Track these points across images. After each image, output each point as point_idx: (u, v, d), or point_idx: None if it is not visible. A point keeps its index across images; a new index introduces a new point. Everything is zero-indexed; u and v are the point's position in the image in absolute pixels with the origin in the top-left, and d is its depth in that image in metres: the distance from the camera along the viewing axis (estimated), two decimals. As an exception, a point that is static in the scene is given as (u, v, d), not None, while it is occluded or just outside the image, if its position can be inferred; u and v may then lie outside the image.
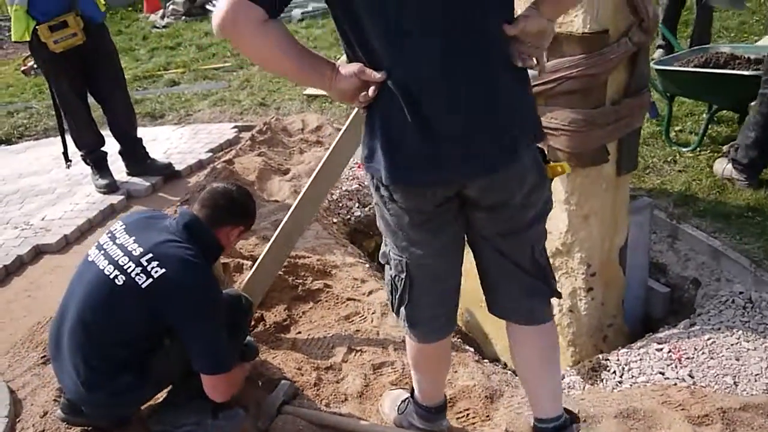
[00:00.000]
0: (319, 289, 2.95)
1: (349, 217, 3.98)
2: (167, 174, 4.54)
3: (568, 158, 2.48)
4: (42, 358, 2.68)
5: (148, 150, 4.58)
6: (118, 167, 4.54)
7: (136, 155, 4.50)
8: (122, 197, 4.29)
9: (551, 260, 2.69)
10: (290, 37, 1.52)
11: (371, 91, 1.54)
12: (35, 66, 7.71)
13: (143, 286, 1.97)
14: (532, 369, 1.96)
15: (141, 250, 2.01)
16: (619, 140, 2.57)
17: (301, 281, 3.02)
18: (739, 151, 3.52)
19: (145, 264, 1.98)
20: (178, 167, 4.63)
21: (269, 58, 1.55)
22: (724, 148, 3.74)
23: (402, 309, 1.87)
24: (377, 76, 1.52)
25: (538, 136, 1.73)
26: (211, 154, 4.86)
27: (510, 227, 1.76)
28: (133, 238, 2.05)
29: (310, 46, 7.18)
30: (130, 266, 1.99)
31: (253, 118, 5.49)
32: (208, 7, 9.74)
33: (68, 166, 4.43)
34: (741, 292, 2.69)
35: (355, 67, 1.54)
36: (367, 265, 3.28)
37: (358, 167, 4.44)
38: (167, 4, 10.01)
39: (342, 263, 3.19)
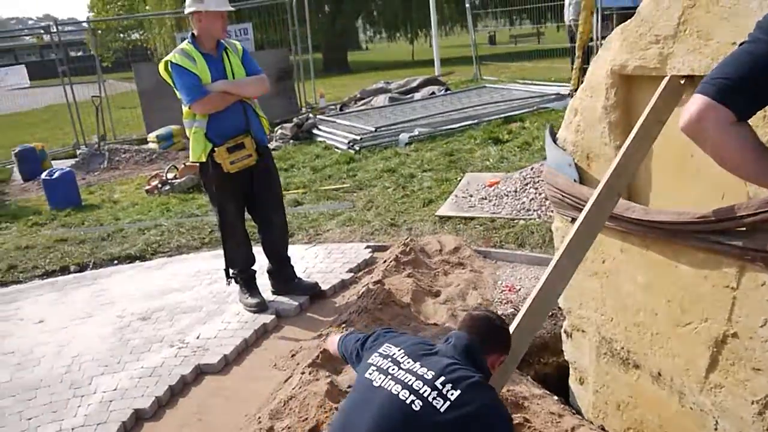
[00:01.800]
0: (520, 424, 2.76)
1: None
2: (313, 294, 4.51)
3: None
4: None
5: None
6: (261, 286, 4.56)
7: (284, 274, 4.52)
8: (273, 317, 4.27)
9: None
10: (756, 140, 1.52)
11: None
12: (159, 185, 8.16)
13: (441, 410, 1.92)
14: None
15: (432, 373, 1.99)
16: None
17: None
18: None
19: (440, 387, 1.95)
20: (322, 287, 4.62)
21: (729, 159, 1.61)
22: None
23: None
24: None
25: None
26: (351, 274, 4.85)
27: None
28: (419, 363, 2.04)
29: (422, 168, 7.32)
30: (426, 390, 1.95)
31: (384, 238, 5.50)
32: (315, 132, 10.17)
33: (229, 283, 4.47)
34: None
35: None
36: (555, 397, 3.08)
37: (509, 290, 4.32)
38: (276, 129, 10.50)
39: (530, 395, 3.01)
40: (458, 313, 3.95)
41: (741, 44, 1.65)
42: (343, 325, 3.75)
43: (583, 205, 2.93)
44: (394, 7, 26.32)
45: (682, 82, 2.54)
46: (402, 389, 1.97)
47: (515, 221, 5.22)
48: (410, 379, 1.99)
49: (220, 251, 4.47)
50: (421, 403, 1.93)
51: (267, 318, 4.25)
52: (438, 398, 1.93)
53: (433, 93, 12.07)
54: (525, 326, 2.48)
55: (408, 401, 1.94)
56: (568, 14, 12.63)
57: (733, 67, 1.59)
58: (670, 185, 2.78)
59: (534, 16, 18.82)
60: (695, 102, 1.54)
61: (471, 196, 5.86)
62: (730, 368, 2.64)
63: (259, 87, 4.13)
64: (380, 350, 2.16)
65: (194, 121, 4.01)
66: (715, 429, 2.78)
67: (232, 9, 4.22)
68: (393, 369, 2.05)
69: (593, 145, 3.03)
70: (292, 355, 3.73)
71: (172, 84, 4.03)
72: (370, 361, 2.14)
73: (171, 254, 5.97)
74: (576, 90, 3.21)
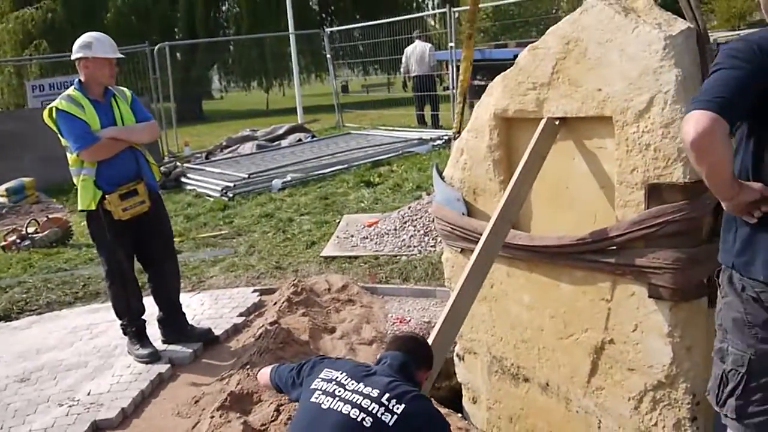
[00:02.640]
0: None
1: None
2: (207, 340, 4.48)
3: (672, 294, 2.71)
4: None
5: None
6: (150, 336, 4.46)
7: (176, 322, 4.46)
8: (168, 366, 4.19)
9: (652, 393, 2.87)
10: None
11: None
12: (18, 241, 7.66)
13: (390, 423, 2.09)
14: None
15: (377, 391, 2.16)
16: (710, 275, 2.84)
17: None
18: None
19: (386, 403, 2.13)
20: (214, 332, 4.59)
21: (718, 164, 1.88)
22: None
23: (731, 400, 2.11)
24: None
25: None
26: (243, 317, 4.86)
27: None
28: (362, 383, 2.20)
29: (299, 212, 7.47)
30: (374, 407, 2.12)
31: (271, 281, 5.56)
32: (183, 180, 10.02)
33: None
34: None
35: (760, 185, 1.92)
36: (459, 415, 3.31)
37: (400, 322, 4.55)
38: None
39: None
40: (356, 347, 4.11)
41: (716, 70, 1.96)
42: (247, 366, 3.78)
43: (473, 236, 3.23)
44: (249, 57, 26.44)
45: (557, 123, 2.92)
46: (352, 408, 2.13)
47: (398, 257, 5.50)
48: (357, 399, 2.15)
49: (97, 305, 4.35)
50: (371, 420, 2.10)
51: (162, 367, 4.17)
52: (386, 413, 2.11)
53: (300, 140, 12.30)
54: (438, 346, 2.71)
55: (359, 419, 2.10)
56: (412, 68, 13.68)
57: (726, 88, 1.88)
58: (549, 213, 3.13)
59: (385, 67, 19.74)
60: (704, 117, 1.81)
61: (352, 236, 6.08)
62: (608, 371, 3.00)
63: (149, 133, 4.14)
64: (321, 375, 2.30)
65: (82, 168, 3.93)
66: (599, 428, 3.12)
67: (122, 56, 4.22)
68: (339, 391, 2.20)
69: (479, 181, 3.34)
70: (196, 401, 3.70)
71: (57, 131, 3.94)
72: (313, 386, 2.27)
73: (41, 312, 5.64)
74: (459, 132, 3.54)
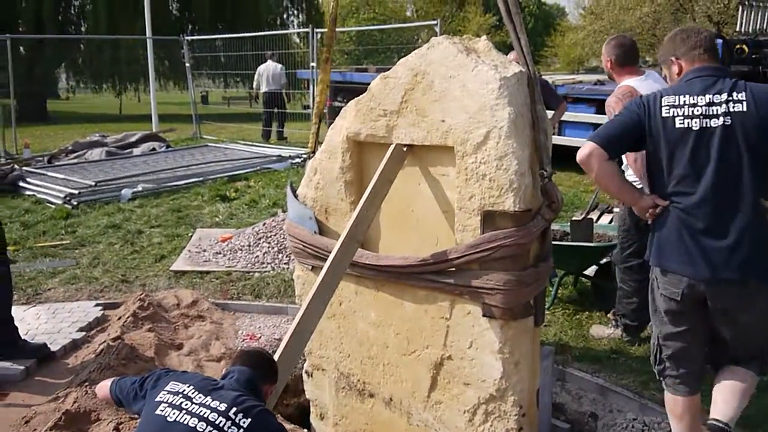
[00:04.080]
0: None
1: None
2: (42, 356, 4.24)
3: (502, 313, 2.95)
4: None
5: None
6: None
7: (6, 337, 4.17)
8: (-6, 384, 3.92)
9: (485, 406, 3.10)
10: (619, 171, 3.06)
11: (659, 210, 2.85)
12: None
13: None
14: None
15: (225, 405, 2.17)
16: (535, 297, 3.12)
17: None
18: (627, 316, 4.27)
19: (233, 417, 2.14)
20: (50, 348, 4.35)
21: (599, 179, 2.92)
22: (610, 316, 4.47)
23: (656, 367, 3.06)
24: (665, 203, 2.83)
25: None
26: (83, 333, 4.64)
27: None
28: (210, 396, 2.20)
29: (149, 224, 7.24)
30: (221, 420, 2.13)
31: (116, 295, 5.34)
32: (22, 184, 9.35)
33: None
34: (635, 418, 3.25)
35: (653, 196, 2.90)
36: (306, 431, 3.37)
37: (250, 338, 4.55)
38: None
39: (282, 428, 3.26)
40: (204, 364, 4.06)
41: (617, 116, 3.00)
42: (86, 384, 3.62)
43: (323, 254, 3.33)
44: (102, 58, 25.09)
45: (405, 149, 3.09)
46: (199, 422, 2.13)
47: (251, 273, 5.48)
48: (205, 412, 2.16)
49: None
50: None
51: (-12, 387, 3.90)
52: (232, 426, 2.13)
53: (154, 149, 11.88)
54: (284, 361, 2.76)
55: None
56: (262, 85, 14.30)
57: (611, 126, 2.95)
58: (396, 235, 3.29)
59: (248, 81, 19.59)
60: (588, 145, 2.84)
61: (204, 251, 5.98)
62: (446, 386, 3.19)
63: None
64: (167, 388, 2.27)
65: None
66: (438, 440, 3.30)
67: None
68: (186, 404, 2.19)
69: (331, 201, 3.45)
70: (26, 422, 3.48)
71: None
72: (158, 399, 2.24)
73: None
74: (314, 152, 3.63)
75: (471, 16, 33.10)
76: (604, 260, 4.89)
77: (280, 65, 14.36)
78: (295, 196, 3.63)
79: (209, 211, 7.77)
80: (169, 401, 2.22)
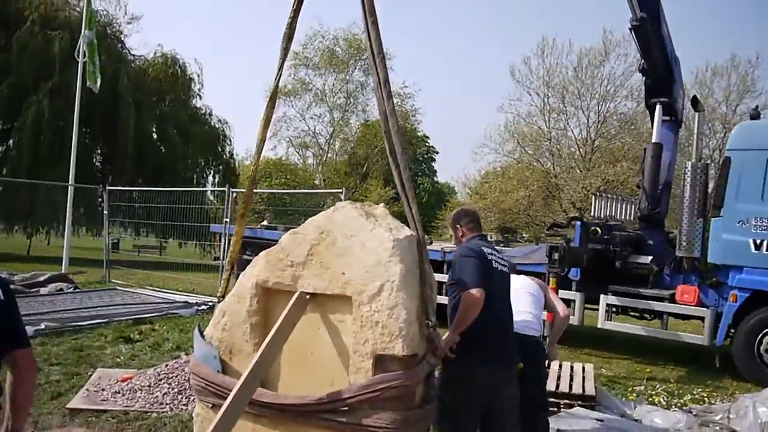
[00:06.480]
0: None
1: None
2: None
3: (389, 451, 2.99)
4: None
5: None
6: None
7: None
8: None
9: None
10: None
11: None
12: None
13: None
14: None
15: None
16: (419, 437, 3.19)
17: None
18: None
19: None
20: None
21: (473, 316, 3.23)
22: None
23: None
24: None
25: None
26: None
27: None
28: None
29: (48, 362, 6.81)
30: None
31: (4, 433, 4.90)
32: None
33: None
34: None
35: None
36: None
37: None
38: None
39: None
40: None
41: (462, 264, 3.43)
42: None
43: (225, 393, 3.30)
44: (19, 199, 24.23)
45: (308, 296, 3.24)
46: None
47: (149, 414, 5.20)
48: None
49: None
50: None
51: None
52: None
53: (62, 289, 11.34)
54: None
55: None
56: None
57: (467, 272, 3.31)
58: (294, 376, 3.34)
59: (158, 231, 19.41)
60: (476, 293, 3.24)
61: (103, 389, 5.64)
62: None
63: None
64: None
65: None
66: None
67: None
68: None
69: (236, 342, 3.48)
70: None
71: None
72: None
73: None
74: (223, 296, 3.70)
75: (372, 187, 34.80)
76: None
77: None
78: (202, 336, 3.63)
79: (111, 352, 7.39)
80: None
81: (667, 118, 9.97)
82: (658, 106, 9.69)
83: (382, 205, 3.41)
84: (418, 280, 3.11)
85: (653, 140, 9.81)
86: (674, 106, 9.91)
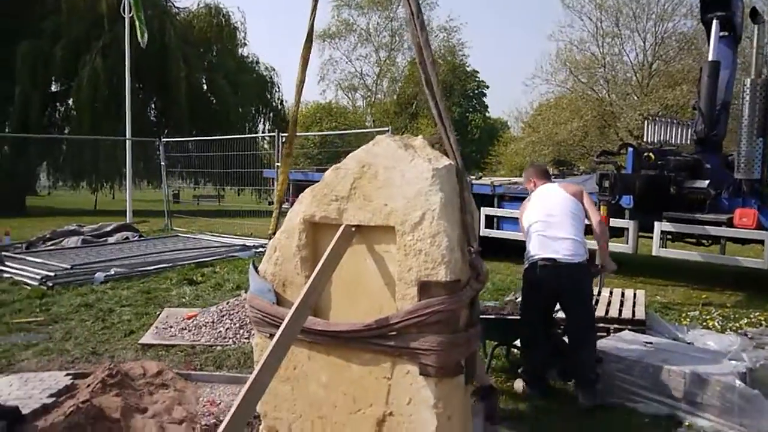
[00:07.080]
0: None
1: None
2: (13, 419, 4.18)
3: (437, 371, 3.13)
4: None
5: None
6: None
7: (-21, 402, 4.14)
8: (-35, 446, 3.86)
9: (419, 458, 3.20)
10: None
11: None
12: None
13: None
14: None
15: None
16: (466, 358, 3.31)
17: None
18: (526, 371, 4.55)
19: None
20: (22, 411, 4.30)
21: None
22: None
23: None
24: None
25: None
26: (53, 398, 4.60)
27: None
28: None
29: (120, 304, 7.25)
30: None
31: (86, 366, 5.31)
32: (1, 268, 9.25)
33: None
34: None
35: None
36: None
37: (210, 404, 4.59)
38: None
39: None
40: (166, 426, 4.08)
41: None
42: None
43: (280, 322, 3.48)
44: (82, 158, 25.19)
45: (353, 229, 3.34)
46: None
47: (213, 347, 5.53)
48: None
49: None
50: None
51: (-41, 449, 3.84)
52: None
53: (127, 238, 11.91)
54: (237, 418, 2.84)
55: None
56: None
57: None
58: (344, 304, 3.49)
59: (216, 180, 19.89)
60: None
61: (171, 327, 6.02)
62: (388, 440, 3.31)
63: None
64: None
65: None
66: (379, 494, 3.36)
67: None
68: None
69: (288, 275, 3.64)
70: (-6, 479, 3.45)
71: None
72: None
73: None
74: (274, 233, 3.85)
75: (423, 127, 34.55)
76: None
77: None
78: (257, 271, 3.81)
79: (176, 293, 7.81)
80: None
81: (725, 33, 9.45)
82: (714, 21, 9.19)
83: (420, 136, 3.45)
84: (459, 209, 3.17)
85: (710, 58, 9.36)
86: (732, 19, 9.36)
